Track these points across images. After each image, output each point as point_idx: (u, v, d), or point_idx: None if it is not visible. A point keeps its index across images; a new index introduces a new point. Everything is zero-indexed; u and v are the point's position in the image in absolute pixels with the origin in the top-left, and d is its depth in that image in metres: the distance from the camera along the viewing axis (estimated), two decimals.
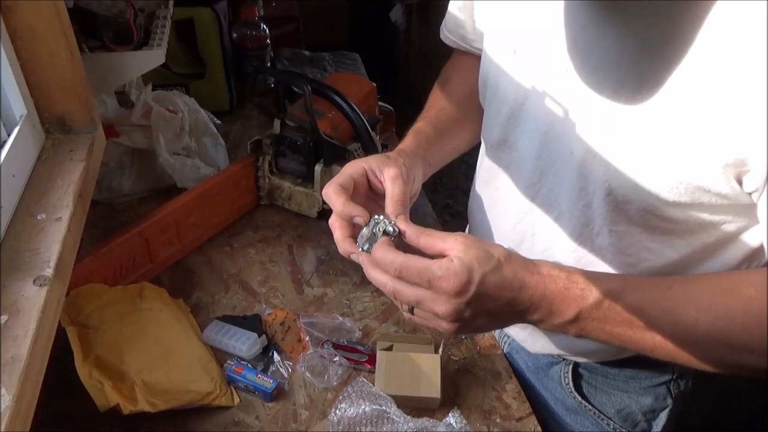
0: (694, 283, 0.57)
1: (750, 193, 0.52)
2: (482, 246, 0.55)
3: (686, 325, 0.54)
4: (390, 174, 0.63)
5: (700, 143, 0.51)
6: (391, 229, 0.58)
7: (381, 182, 0.64)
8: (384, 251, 0.55)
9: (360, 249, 0.59)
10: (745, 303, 0.52)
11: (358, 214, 0.59)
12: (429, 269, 0.53)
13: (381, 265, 0.56)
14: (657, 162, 0.55)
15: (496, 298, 0.54)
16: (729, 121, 0.49)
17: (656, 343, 0.55)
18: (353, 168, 0.64)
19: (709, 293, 0.55)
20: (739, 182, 0.52)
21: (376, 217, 0.60)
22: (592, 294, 0.54)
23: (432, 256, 0.55)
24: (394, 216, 0.60)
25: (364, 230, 0.59)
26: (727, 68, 0.49)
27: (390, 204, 0.61)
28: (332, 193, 0.61)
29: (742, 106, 0.48)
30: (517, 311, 0.56)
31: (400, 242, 0.58)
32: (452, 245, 0.54)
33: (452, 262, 0.53)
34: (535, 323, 0.57)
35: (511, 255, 0.55)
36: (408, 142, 0.74)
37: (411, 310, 0.57)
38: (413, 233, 0.57)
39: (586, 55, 0.58)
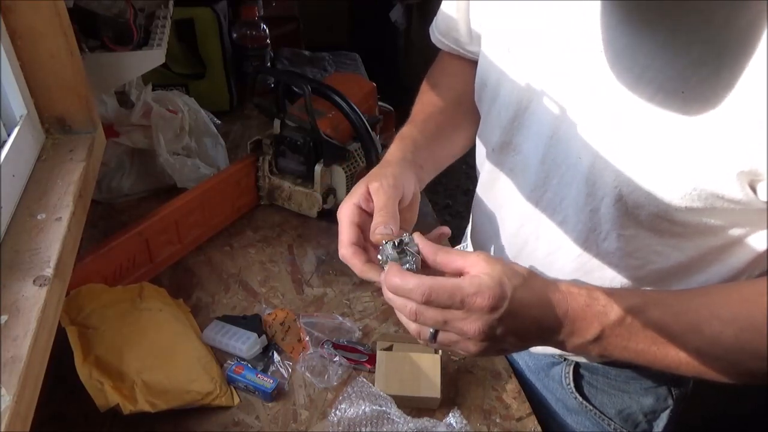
0: (715, 294, 0.56)
1: (766, 201, 0.52)
2: (505, 263, 0.53)
3: (711, 339, 0.53)
4: (372, 188, 0.61)
5: (715, 150, 0.51)
6: (414, 246, 0.55)
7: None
8: (403, 277, 0.52)
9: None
10: None
11: (377, 269, 0.57)
12: (460, 287, 0.50)
13: (402, 292, 0.52)
14: (670, 169, 0.54)
15: (525, 316, 0.53)
16: (744, 128, 0.49)
17: (681, 359, 0.54)
18: (348, 213, 0.61)
19: (731, 305, 0.54)
20: (753, 189, 0.51)
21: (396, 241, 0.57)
22: (614, 310, 0.53)
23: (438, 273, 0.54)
24: (383, 225, 0.58)
25: (389, 250, 0.56)
26: (742, 75, 0.48)
27: (377, 214, 0.59)
28: (350, 256, 0.58)
29: (757, 114, 0.48)
30: (542, 329, 0.54)
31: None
32: (474, 261, 0.52)
33: (482, 277, 0.51)
34: (558, 345, 0.56)
35: (532, 273, 0.54)
36: (392, 150, 0.71)
37: (434, 337, 0.54)
38: (430, 250, 0.54)
39: (624, 54, 0.55)
